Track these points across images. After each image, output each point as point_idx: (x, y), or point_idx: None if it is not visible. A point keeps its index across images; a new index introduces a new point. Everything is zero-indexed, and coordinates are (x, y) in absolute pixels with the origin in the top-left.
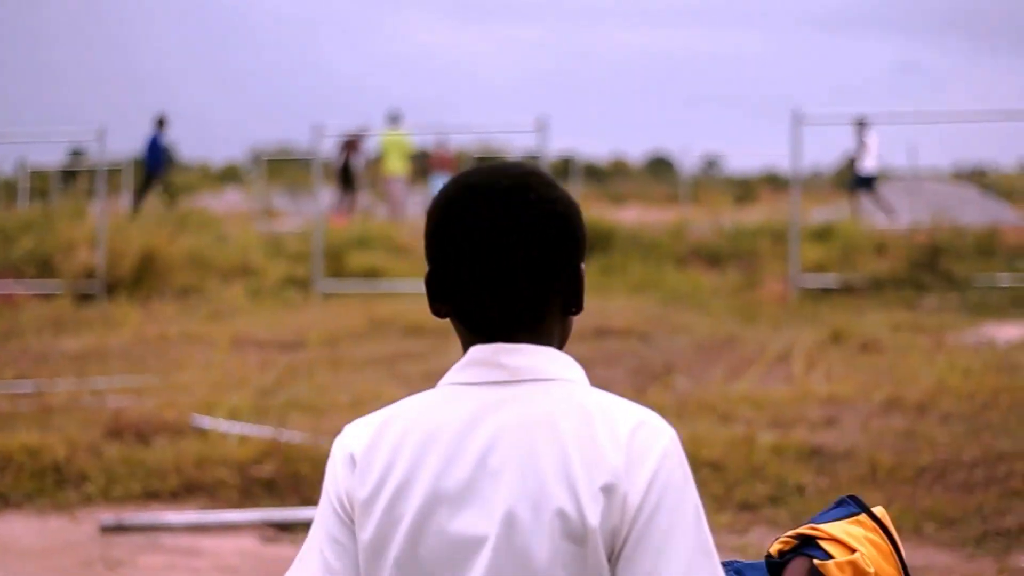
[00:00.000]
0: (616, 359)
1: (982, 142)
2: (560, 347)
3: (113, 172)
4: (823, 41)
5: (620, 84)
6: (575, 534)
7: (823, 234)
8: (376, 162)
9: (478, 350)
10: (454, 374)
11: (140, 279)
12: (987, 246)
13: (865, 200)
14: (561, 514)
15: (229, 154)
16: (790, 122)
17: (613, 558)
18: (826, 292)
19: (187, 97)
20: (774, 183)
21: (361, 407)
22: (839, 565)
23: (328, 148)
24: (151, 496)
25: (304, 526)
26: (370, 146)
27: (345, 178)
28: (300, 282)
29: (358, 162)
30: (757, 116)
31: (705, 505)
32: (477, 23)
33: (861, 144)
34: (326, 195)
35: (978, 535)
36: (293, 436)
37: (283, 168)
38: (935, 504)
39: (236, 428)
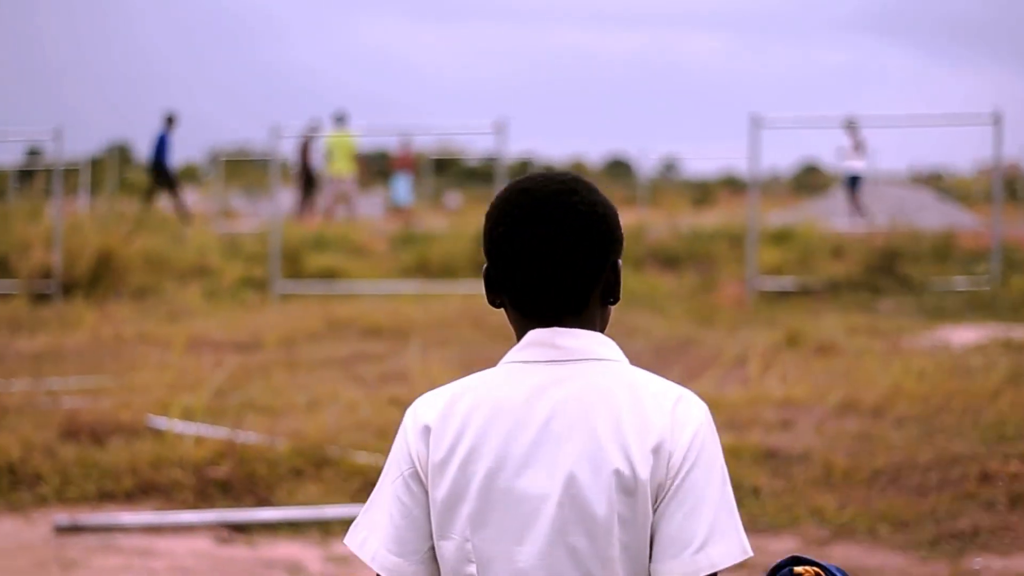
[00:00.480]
0: None
1: (939, 146)
2: (601, 332)
3: (70, 172)
4: (782, 44)
5: (580, 86)
6: (628, 488)
7: (781, 237)
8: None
9: (537, 333)
10: (515, 354)
11: (96, 279)
12: (943, 250)
13: (848, 198)
14: (617, 472)
15: (187, 155)
16: (748, 125)
17: (655, 506)
18: (783, 295)
19: (149, 96)
20: (732, 186)
21: (317, 408)
22: None
23: (286, 149)
24: (106, 497)
25: (260, 527)
26: (319, 146)
27: (306, 178)
28: (257, 283)
29: (315, 162)
30: (716, 119)
31: None
32: (438, 24)
33: (855, 144)
34: (284, 196)
35: (932, 537)
36: (249, 437)
37: (241, 169)
38: (889, 506)
39: (192, 429)
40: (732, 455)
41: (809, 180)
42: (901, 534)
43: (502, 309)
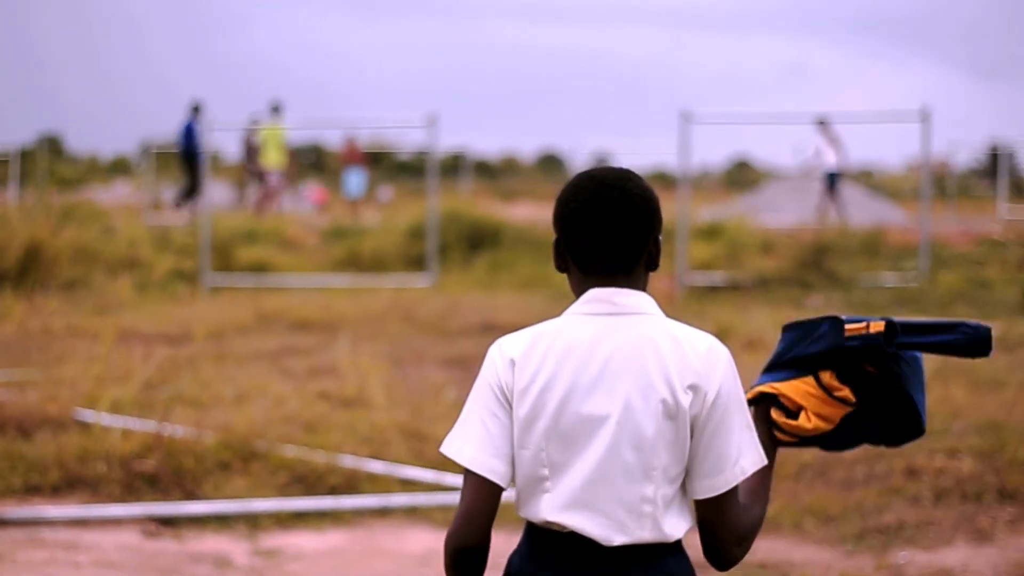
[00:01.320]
0: None
1: (869, 143)
2: (644, 291)
3: None
4: (715, 40)
5: (513, 80)
6: (671, 414)
7: (711, 232)
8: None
9: (597, 291)
10: (580, 307)
11: (25, 271)
12: (872, 245)
13: (823, 194)
14: (663, 402)
15: (120, 147)
16: (678, 121)
17: (693, 433)
18: (713, 290)
19: (78, 88)
20: (663, 181)
21: (245, 402)
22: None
23: (218, 140)
24: (32, 490)
25: (187, 520)
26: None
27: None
28: (187, 276)
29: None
30: (648, 114)
31: None
32: (373, 17)
33: (827, 142)
34: (215, 189)
35: (857, 532)
36: (177, 430)
37: (173, 161)
38: (816, 501)
39: (119, 422)
40: None
41: (740, 176)
42: (827, 528)
43: (563, 274)
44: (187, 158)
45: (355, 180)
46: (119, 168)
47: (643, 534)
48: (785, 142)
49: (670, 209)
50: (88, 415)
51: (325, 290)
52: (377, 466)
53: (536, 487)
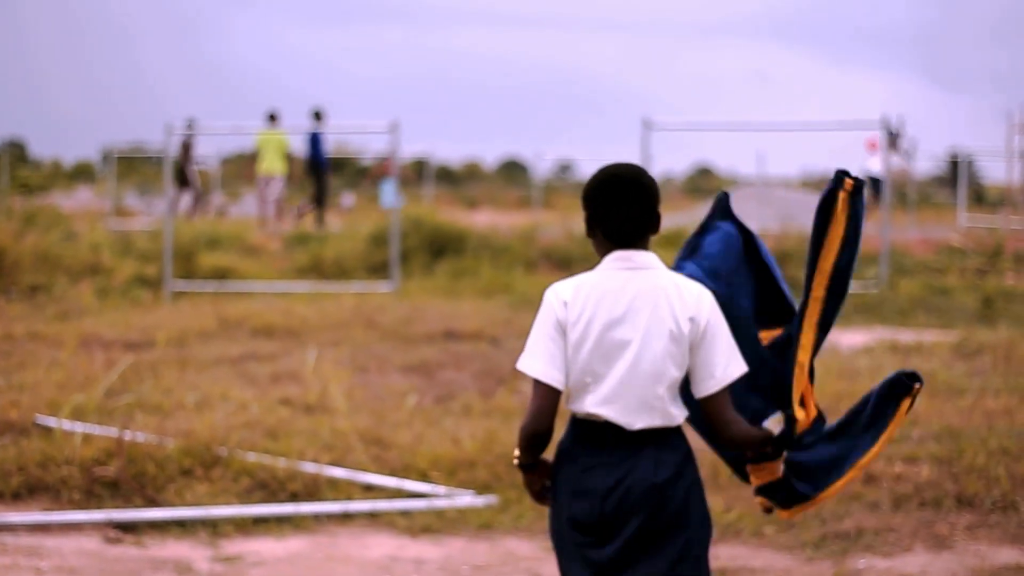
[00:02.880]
0: (464, 362)
1: (831, 151)
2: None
3: None
4: (678, 49)
5: (476, 88)
6: (676, 338)
7: (672, 239)
8: (252, 161)
9: (620, 252)
10: (608, 263)
11: None
12: None
13: (870, 200)
14: (670, 330)
15: (83, 152)
16: (640, 128)
17: (691, 351)
18: None
19: (43, 93)
20: None
21: (207, 408)
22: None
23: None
24: None
25: (148, 527)
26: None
27: (181, 177)
28: (150, 281)
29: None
30: (611, 122)
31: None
32: (335, 23)
33: (879, 149)
34: (182, 195)
35: (817, 538)
36: (138, 436)
37: (137, 166)
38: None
39: (81, 428)
40: None
41: (702, 183)
42: (786, 534)
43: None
44: (313, 166)
45: (389, 191)
46: (82, 174)
47: (654, 421)
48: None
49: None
50: (50, 421)
51: (288, 296)
52: (339, 472)
53: (582, 390)
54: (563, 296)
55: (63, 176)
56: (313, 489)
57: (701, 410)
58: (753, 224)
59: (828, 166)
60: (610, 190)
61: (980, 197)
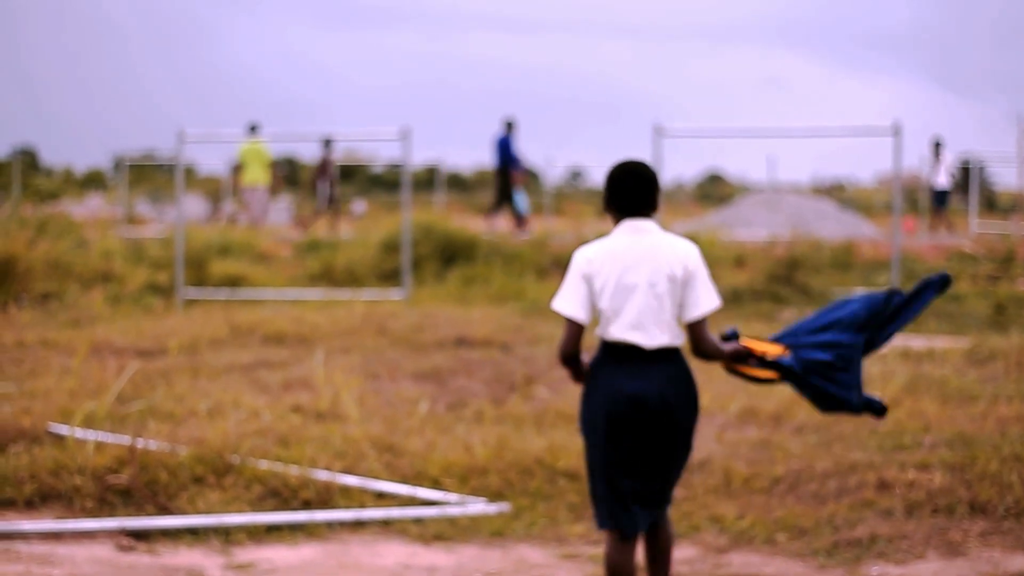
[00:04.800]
0: (476, 369)
1: (842, 157)
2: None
3: None
4: (689, 54)
5: (487, 94)
6: (673, 279)
7: None
8: (236, 171)
9: (629, 222)
10: (621, 230)
11: None
12: (843, 259)
13: (933, 213)
14: (668, 275)
15: (94, 160)
16: (651, 134)
17: (682, 290)
18: None
19: (53, 102)
20: None
21: (219, 415)
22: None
23: (190, 154)
24: (6, 504)
25: (161, 534)
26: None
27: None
28: (162, 289)
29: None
30: (624, 129)
31: (562, 515)
32: (348, 30)
33: (936, 161)
34: (189, 201)
35: (829, 545)
36: (150, 444)
37: (148, 174)
38: (788, 514)
39: (93, 436)
40: None
41: (713, 190)
42: (799, 542)
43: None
44: (502, 171)
45: (522, 200)
46: (93, 181)
47: (664, 340)
48: (757, 155)
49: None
50: (62, 429)
51: (299, 303)
52: (351, 480)
53: (607, 321)
54: (588, 255)
55: (74, 184)
56: (325, 497)
57: (687, 331)
58: (763, 230)
59: (839, 172)
60: (621, 177)
61: (992, 203)
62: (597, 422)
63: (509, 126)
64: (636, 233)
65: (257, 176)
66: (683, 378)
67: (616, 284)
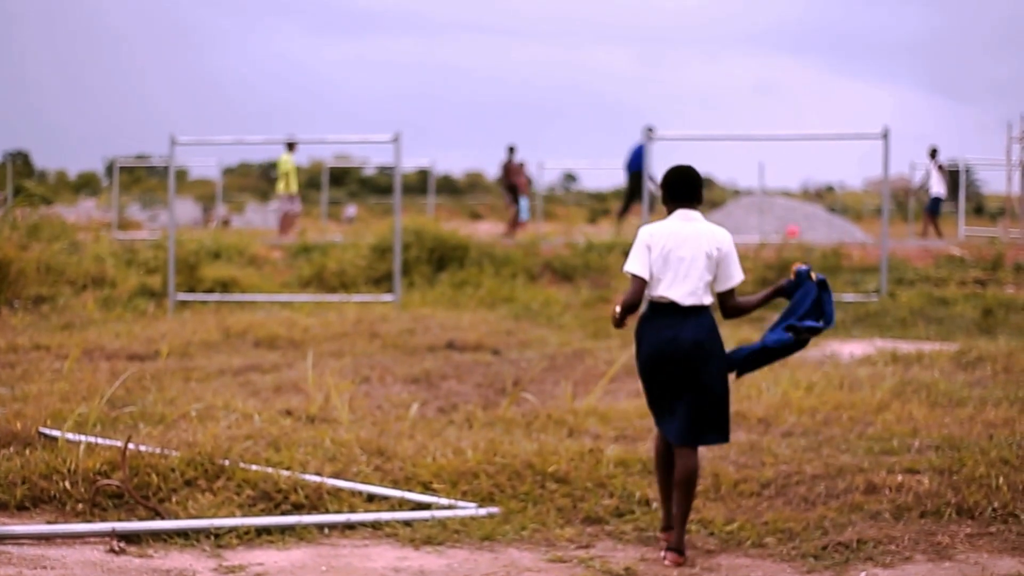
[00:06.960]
0: (467, 373)
1: (831, 162)
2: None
3: None
4: (683, 61)
5: (479, 99)
6: (711, 257)
7: None
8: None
9: (681, 211)
10: (674, 217)
11: None
12: (832, 263)
13: (926, 218)
14: (707, 253)
15: (87, 164)
16: (642, 138)
17: (717, 264)
18: None
19: (46, 106)
20: None
21: (211, 419)
22: None
23: (181, 158)
24: None
25: (152, 537)
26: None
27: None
28: (153, 293)
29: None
30: (616, 133)
31: (551, 518)
32: (339, 36)
33: (935, 169)
34: (182, 206)
35: (818, 548)
36: (142, 447)
37: (140, 178)
38: (777, 517)
39: (84, 439)
40: (623, 466)
41: (704, 194)
42: (788, 545)
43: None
44: (635, 177)
45: (525, 205)
46: (86, 185)
47: (698, 300)
48: (748, 161)
49: (635, 226)
50: (54, 432)
51: (290, 307)
52: (341, 483)
53: (657, 283)
54: (650, 231)
55: (67, 187)
56: (316, 500)
57: (719, 297)
58: (754, 234)
59: (828, 176)
60: (674, 177)
61: (980, 208)
62: (645, 359)
63: (650, 132)
64: (685, 219)
65: (294, 187)
66: (710, 326)
67: (667, 256)
